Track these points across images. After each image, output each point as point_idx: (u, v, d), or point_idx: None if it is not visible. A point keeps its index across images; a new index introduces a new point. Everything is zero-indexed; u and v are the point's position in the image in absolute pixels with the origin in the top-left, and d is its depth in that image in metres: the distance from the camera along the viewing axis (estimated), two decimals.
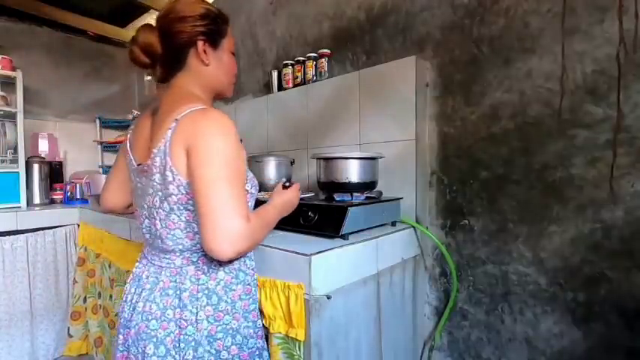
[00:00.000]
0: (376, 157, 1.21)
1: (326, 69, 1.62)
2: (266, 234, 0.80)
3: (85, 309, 2.06)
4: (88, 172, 2.63)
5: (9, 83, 2.19)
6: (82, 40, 2.79)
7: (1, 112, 2.12)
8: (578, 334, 1.06)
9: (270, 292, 0.92)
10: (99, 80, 2.90)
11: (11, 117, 2.14)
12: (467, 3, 1.25)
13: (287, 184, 0.96)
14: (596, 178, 1.01)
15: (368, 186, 1.19)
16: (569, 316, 1.07)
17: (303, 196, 1.29)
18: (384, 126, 1.39)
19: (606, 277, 1.00)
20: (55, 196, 2.42)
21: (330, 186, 1.18)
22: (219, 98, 0.91)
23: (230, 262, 0.81)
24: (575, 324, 1.06)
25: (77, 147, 2.74)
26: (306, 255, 0.87)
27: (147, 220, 0.82)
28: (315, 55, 1.66)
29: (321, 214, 1.09)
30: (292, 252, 0.90)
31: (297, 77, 1.74)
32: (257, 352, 0.83)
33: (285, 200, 0.90)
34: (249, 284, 0.84)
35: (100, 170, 2.78)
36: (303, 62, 1.71)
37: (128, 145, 0.87)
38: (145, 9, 2.52)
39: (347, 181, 1.14)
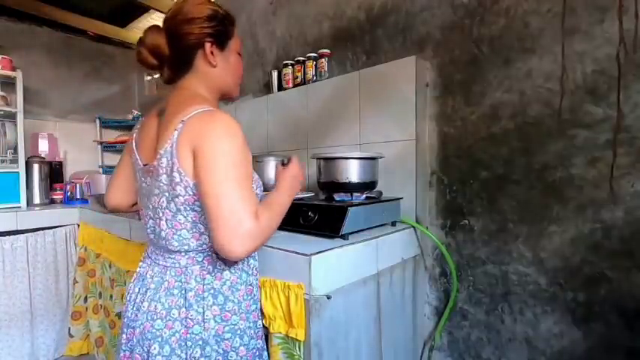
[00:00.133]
0: (376, 157, 1.21)
1: (326, 69, 1.62)
2: (278, 222, 0.78)
3: (86, 309, 2.06)
4: (88, 172, 2.63)
5: (9, 83, 2.19)
6: (82, 40, 2.79)
7: (1, 112, 2.12)
8: (578, 334, 1.06)
9: (270, 292, 0.92)
10: (99, 80, 2.90)
11: (11, 117, 2.14)
12: (467, 3, 1.25)
13: (285, 161, 0.93)
14: (596, 178, 1.01)
15: (368, 186, 1.19)
16: (569, 316, 1.07)
17: (302, 196, 1.29)
18: (384, 126, 1.39)
19: (606, 277, 1.00)
20: (55, 196, 2.42)
21: (330, 186, 1.18)
22: (224, 99, 0.91)
23: (235, 262, 0.81)
24: (575, 324, 1.06)
25: (77, 147, 2.74)
26: (306, 255, 0.87)
27: (151, 221, 0.81)
28: (315, 55, 1.66)
29: (321, 214, 1.09)
30: (292, 252, 0.90)
31: (297, 77, 1.74)
32: (257, 353, 0.83)
33: (289, 178, 0.87)
34: (251, 284, 0.85)
35: (100, 170, 2.78)
36: (303, 62, 1.70)
37: (134, 144, 0.87)
38: (145, 9, 2.52)
39: (347, 181, 1.14)
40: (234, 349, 0.78)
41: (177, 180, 0.72)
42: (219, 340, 0.77)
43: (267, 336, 0.91)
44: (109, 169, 2.80)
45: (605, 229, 1.00)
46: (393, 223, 1.26)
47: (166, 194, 0.75)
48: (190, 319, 0.76)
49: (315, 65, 1.66)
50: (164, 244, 0.80)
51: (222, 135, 0.69)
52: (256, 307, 0.86)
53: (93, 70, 2.86)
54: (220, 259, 0.80)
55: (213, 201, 0.66)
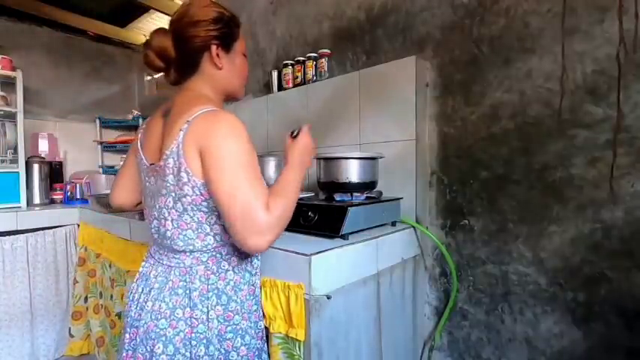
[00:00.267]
0: (376, 157, 1.21)
1: (326, 69, 1.62)
2: (294, 201, 0.77)
3: (86, 309, 2.06)
4: (88, 172, 2.63)
5: (9, 83, 2.19)
6: (82, 40, 2.79)
7: (1, 112, 2.12)
8: (578, 334, 1.06)
9: (271, 292, 0.92)
10: (99, 80, 2.90)
11: (11, 117, 2.14)
12: (467, 3, 1.25)
13: (294, 132, 0.89)
14: (596, 178, 1.01)
15: (368, 186, 1.19)
16: (569, 316, 1.07)
17: (303, 195, 1.29)
18: (384, 126, 1.39)
19: (606, 277, 1.00)
20: (55, 196, 2.42)
21: (330, 186, 1.18)
22: (229, 100, 0.92)
23: (238, 262, 0.82)
24: (575, 324, 1.06)
25: (77, 147, 2.74)
26: (306, 255, 0.87)
27: (156, 221, 0.82)
28: (315, 55, 1.66)
29: (321, 214, 1.09)
30: (292, 252, 0.90)
31: (297, 77, 1.74)
32: (257, 353, 0.84)
33: (300, 150, 0.84)
34: (253, 285, 0.85)
35: (100, 170, 2.78)
36: (303, 62, 1.70)
37: (139, 144, 0.88)
38: (145, 9, 2.52)
39: (347, 181, 1.14)
40: (235, 349, 0.79)
41: (185, 180, 0.73)
42: (221, 339, 0.78)
43: (267, 336, 0.91)
44: (109, 169, 2.80)
45: (605, 229, 1.00)
46: (393, 223, 1.26)
47: (173, 194, 0.76)
48: (195, 318, 0.77)
49: (315, 65, 1.66)
50: (169, 244, 0.80)
51: (228, 135, 0.70)
52: (258, 307, 0.86)
53: (93, 70, 2.86)
54: (224, 259, 0.81)
55: (226, 200, 0.68)
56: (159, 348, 0.76)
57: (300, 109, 1.71)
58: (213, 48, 0.81)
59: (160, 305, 0.78)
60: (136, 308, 0.82)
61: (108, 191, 2.41)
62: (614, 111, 0.98)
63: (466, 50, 1.26)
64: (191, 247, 0.78)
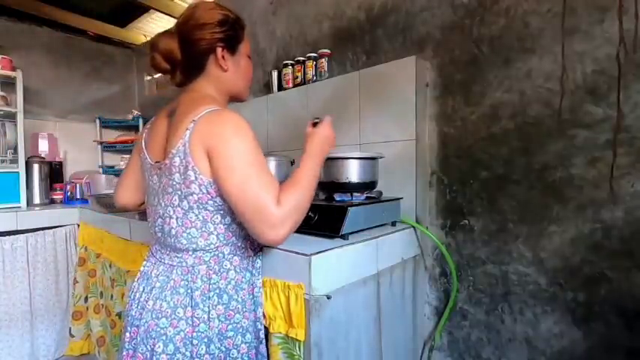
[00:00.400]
0: (376, 157, 1.21)
1: (326, 69, 1.62)
2: (310, 191, 0.77)
3: (87, 308, 2.06)
4: (88, 172, 2.63)
5: (9, 83, 2.19)
6: (82, 40, 2.79)
7: (1, 112, 2.12)
8: (578, 334, 1.06)
9: (270, 292, 0.92)
10: (99, 80, 2.90)
11: (11, 117, 2.14)
12: (467, 3, 1.25)
13: (317, 120, 0.89)
14: (596, 178, 1.01)
15: (368, 186, 1.19)
16: (569, 316, 1.07)
17: None
18: (384, 126, 1.39)
19: (606, 277, 1.00)
20: (55, 196, 2.42)
21: (330, 186, 1.18)
22: (234, 101, 0.93)
23: (240, 262, 0.83)
24: (575, 324, 1.06)
25: (77, 147, 2.74)
26: (306, 255, 0.87)
27: (160, 219, 0.82)
28: (315, 55, 1.66)
29: (321, 214, 1.08)
30: (292, 252, 0.90)
31: (297, 77, 1.73)
32: (254, 351, 0.85)
33: (321, 139, 0.85)
34: (253, 284, 0.86)
35: (100, 170, 2.78)
36: (303, 62, 1.70)
37: (143, 144, 0.88)
38: (145, 9, 2.51)
39: (347, 181, 1.14)
40: (235, 347, 0.80)
41: (192, 178, 0.73)
42: (222, 338, 0.78)
43: (267, 336, 0.91)
44: (109, 169, 2.80)
45: (605, 229, 1.00)
46: (393, 223, 1.26)
47: (179, 192, 0.76)
48: (196, 317, 0.77)
49: (315, 65, 1.66)
50: (171, 242, 0.80)
51: (234, 134, 0.72)
52: (256, 307, 0.86)
53: (93, 70, 2.86)
54: (226, 259, 0.81)
55: (237, 197, 0.69)
56: (159, 347, 0.76)
57: (300, 109, 1.71)
58: (219, 50, 0.82)
59: (161, 304, 0.78)
60: (137, 307, 0.82)
61: (108, 191, 2.41)
62: (614, 111, 0.98)
63: (466, 50, 1.26)
64: (194, 246, 0.79)
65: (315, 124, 0.89)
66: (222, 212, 0.78)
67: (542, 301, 1.12)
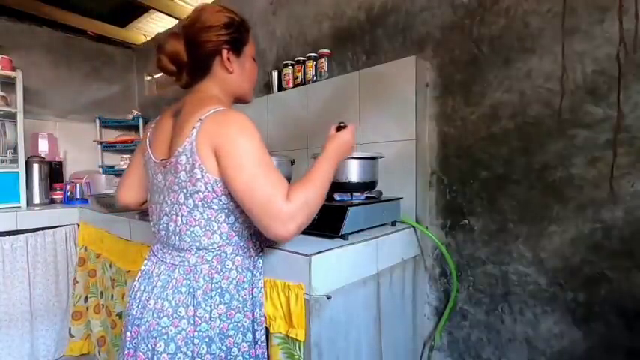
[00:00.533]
0: (376, 157, 1.21)
1: (326, 69, 1.62)
2: (322, 190, 0.77)
3: (87, 308, 2.06)
4: (88, 172, 2.63)
5: (9, 83, 2.19)
6: (82, 40, 2.79)
7: (1, 112, 2.12)
8: (578, 334, 1.06)
9: (270, 292, 0.92)
10: (99, 80, 2.90)
11: (11, 117, 2.14)
12: (467, 3, 1.25)
13: (342, 124, 0.91)
14: (596, 178, 1.01)
15: (368, 186, 1.19)
16: (569, 316, 1.07)
17: None
18: (384, 126, 1.39)
19: (606, 277, 1.00)
20: (55, 196, 2.42)
21: (330, 186, 1.18)
22: (239, 102, 0.94)
23: (242, 262, 0.83)
24: (575, 324, 1.06)
25: (77, 147, 2.74)
26: (306, 255, 0.87)
27: (166, 217, 0.82)
28: (315, 55, 1.66)
29: (321, 214, 1.08)
30: (292, 252, 0.90)
31: (297, 77, 1.73)
32: (253, 347, 0.85)
33: (340, 143, 0.86)
34: (254, 284, 0.86)
35: (100, 170, 2.78)
36: (303, 62, 1.70)
37: (148, 143, 0.89)
38: (145, 9, 2.51)
39: (347, 181, 1.14)
40: (236, 345, 0.80)
41: (199, 176, 0.74)
42: (222, 337, 0.79)
43: (267, 336, 0.91)
44: (109, 169, 2.80)
45: (605, 229, 1.00)
46: (393, 223, 1.26)
47: (184, 190, 0.77)
48: (198, 317, 0.77)
49: (315, 65, 1.66)
50: (175, 241, 0.81)
51: (241, 134, 0.73)
52: (254, 308, 0.86)
53: (93, 70, 2.86)
54: (229, 258, 0.82)
55: (245, 194, 0.70)
56: (160, 346, 0.76)
57: (300, 109, 1.71)
58: (225, 52, 0.84)
59: (162, 303, 0.78)
60: (138, 306, 0.82)
61: (108, 191, 2.41)
62: (614, 111, 0.98)
63: (466, 50, 1.26)
64: (197, 244, 0.79)
65: (339, 129, 0.91)
66: (226, 211, 0.79)
67: (542, 301, 1.12)
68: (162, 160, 0.83)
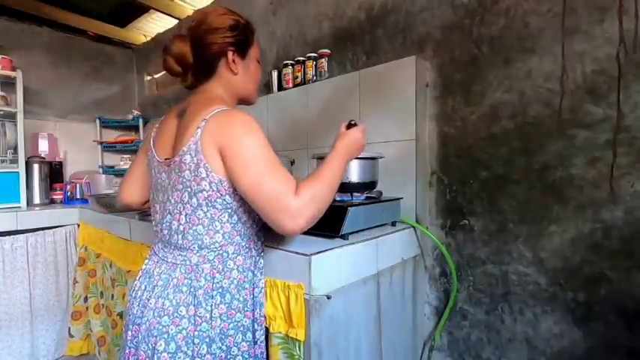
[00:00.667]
0: (376, 157, 1.21)
1: (326, 69, 1.62)
2: (331, 186, 0.78)
3: (86, 308, 2.06)
4: (88, 172, 2.63)
5: (9, 83, 2.19)
6: (82, 40, 2.79)
7: (1, 112, 2.12)
8: (578, 334, 1.06)
9: (270, 292, 0.92)
10: (99, 80, 2.90)
11: (11, 117, 2.14)
12: (467, 3, 1.25)
13: (353, 122, 0.91)
14: (596, 178, 1.01)
15: (368, 186, 1.19)
16: (569, 316, 1.07)
17: None
18: (384, 126, 1.39)
19: (606, 277, 1.00)
20: (55, 196, 2.42)
21: None
22: (242, 103, 0.95)
23: (243, 262, 0.84)
24: (575, 324, 1.06)
25: (77, 147, 2.74)
26: (306, 255, 0.87)
27: (169, 216, 0.83)
28: (315, 55, 1.66)
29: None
30: (292, 252, 0.90)
31: (297, 77, 1.74)
32: (252, 347, 0.85)
33: (350, 141, 0.87)
34: (255, 284, 0.87)
35: (100, 170, 2.79)
36: (303, 62, 1.70)
37: (151, 143, 0.90)
38: (145, 9, 2.51)
39: (347, 181, 1.14)
40: (236, 345, 0.81)
41: (204, 175, 0.75)
42: (223, 337, 0.79)
43: (267, 336, 0.91)
44: (109, 169, 2.80)
45: (605, 229, 1.00)
46: (393, 223, 1.26)
47: (189, 189, 0.78)
48: (199, 316, 0.78)
49: (315, 65, 1.66)
50: (177, 240, 0.81)
51: (246, 133, 0.74)
52: (254, 308, 0.86)
53: (93, 70, 2.86)
54: (230, 258, 0.82)
55: (253, 190, 0.72)
56: (161, 345, 0.76)
57: (300, 109, 1.71)
58: (230, 54, 0.85)
59: (163, 302, 0.78)
60: (139, 305, 0.83)
61: (108, 191, 2.41)
62: (614, 111, 0.98)
63: (466, 50, 1.26)
64: (199, 243, 0.79)
65: (349, 126, 0.91)
66: (229, 211, 0.79)
67: (542, 301, 1.12)
68: (166, 159, 0.83)
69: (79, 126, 2.76)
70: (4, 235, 1.95)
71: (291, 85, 1.76)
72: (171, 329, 0.77)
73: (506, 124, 1.17)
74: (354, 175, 1.15)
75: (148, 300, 0.80)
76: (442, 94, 1.33)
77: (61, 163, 2.54)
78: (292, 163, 1.57)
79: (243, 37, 0.87)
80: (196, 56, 0.84)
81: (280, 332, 0.90)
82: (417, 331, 1.35)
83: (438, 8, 1.32)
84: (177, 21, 2.64)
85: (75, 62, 2.75)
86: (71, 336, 2.09)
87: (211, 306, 0.78)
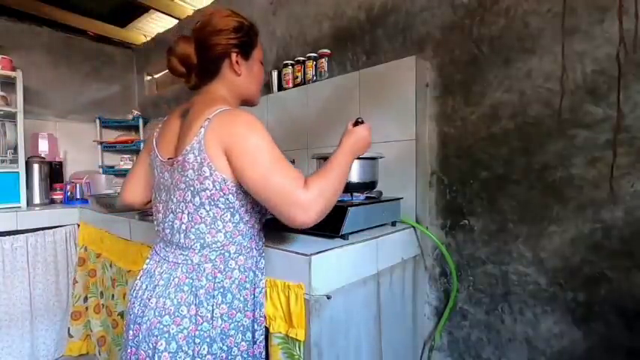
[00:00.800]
0: (376, 157, 1.21)
1: (326, 69, 1.62)
2: (339, 182, 0.79)
3: (86, 308, 2.06)
4: (88, 172, 2.63)
5: (9, 83, 2.19)
6: (82, 40, 2.79)
7: (1, 112, 2.12)
8: (578, 334, 1.06)
9: (270, 292, 0.92)
10: (99, 80, 2.90)
11: (11, 117, 2.14)
12: (467, 3, 1.25)
13: (360, 119, 0.92)
14: (596, 178, 1.01)
15: (368, 186, 1.19)
16: (569, 316, 1.07)
17: None
18: (384, 126, 1.39)
19: (606, 277, 1.00)
20: (55, 196, 2.42)
21: None
22: (245, 104, 0.97)
23: (245, 262, 0.84)
24: (575, 324, 1.06)
25: (77, 147, 2.74)
26: (306, 255, 0.87)
27: (171, 215, 0.83)
28: (315, 55, 1.66)
29: None
30: (292, 252, 0.90)
31: (297, 77, 1.74)
32: (252, 346, 0.85)
33: (357, 138, 0.88)
34: (256, 284, 0.87)
35: (100, 170, 2.79)
36: (303, 62, 1.70)
37: (154, 142, 0.91)
38: (145, 9, 2.51)
39: (347, 181, 1.14)
40: (236, 345, 0.81)
41: (207, 174, 0.75)
42: (224, 337, 0.79)
43: (267, 336, 0.91)
44: (109, 169, 2.80)
45: (605, 229, 1.00)
46: (393, 223, 1.26)
47: (191, 188, 0.78)
48: (200, 316, 0.78)
49: (315, 65, 1.66)
50: (179, 239, 0.81)
51: (250, 131, 0.74)
52: (254, 308, 0.86)
53: (93, 70, 2.86)
54: (232, 258, 0.82)
55: (262, 187, 0.72)
56: (161, 344, 0.76)
57: (300, 109, 1.71)
58: (234, 55, 0.86)
59: (164, 302, 0.78)
60: (139, 305, 0.83)
61: (108, 191, 2.41)
62: (614, 111, 0.98)
63: (466, 50, 1.26)
64: (201, 242, 0.80)
65: (356, 124, 0.92)
66: (231, 210, 0.80)
67: (542, 301, 1.12)
68: (169, 158, 0.84)
69: (79, 126, 2.76)
70: (4, 235, 1.95)
71: (291, 85, 1.76)
72: (172, 329, 0.77)
73: (506, 124, 1.17)
74: (354, 175, 1.14)
75: (149, 299, 0.81)
76: (442, 94, 1.33)
77: (61, 163, 2.54)
78: (292, 162, 1.57)
79: (246, 39, 0.88)
80: (200, 57, 0.85)
81: (280, 332, 0.90)
82: (417, 331, 1.35)
83: (438, 8, 1.32)
84: (177, 21, 2.64)
85: (75, 62, 2.75)
86: (70, 336, 2.09)
87: (212, 306, 0.78)
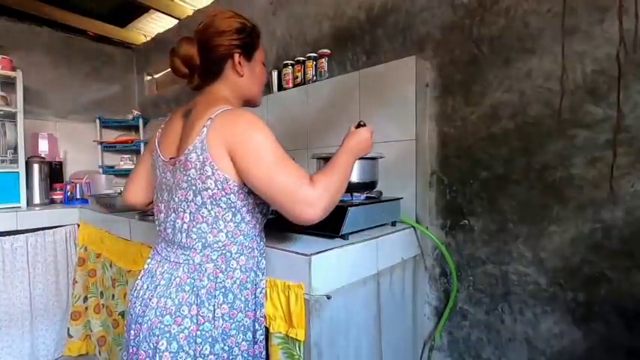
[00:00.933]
0: (376, 157, 1.21)
1: (326, 69, 1.62)
2: (342, 180, 0.80)
3: (86, 309, 2.06)
4: (88, 172, 2.63)
5: (9, 83, 2.19)
6: (82, 40, 2.79)
7: (1, 112, 2.12)
8: (578, 334, 1.06)
9: (270, 292, 0.92)
10: (99, 80, 2.90)
11: (11, 117, 2.14)
12: (467, 3, 1.25)
13: (362, 122, 0.94)
14: (596, 178, 1.01)
15: (368, 186, 1.19)
16: (569, 316, 1.07)
17: None
18: (384, 126, 1.39)
19: (606, 277, 1.01)
20: (55, 196, 2.42)
21: None
22: (247, 105, 0.96)
23: (246, 262, 0.84)
24: (575, 324, 1.06)
25: (77, 147, 2.74)
26: (306, 255, 0.87)
27: (173, 214, 0.83)
28: (315, 55, 1.66)
29: None
30: (292, 252, 0.90)
31: (297, 77, 1.74)
32: (252, 346, 0.86)
33: (360, 139, 0.89)
34: (257, 284, 0.87)
35: (100, 170, 2.79)
36: (303, 62, 1.71)
37: (156, 143, 0.91)
38: (145, 9, 2.52)
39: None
40: (237, 344, 0.81)
41: (209, 173, 0.76)
42: (225, 337, 0.79)
43: (267, 336, 0.91)
44: (109, 169, 2.80)
45: (605, 229, 1.00)
46: (393, 223, 1.26)
47: (193, 187, 0.78)
48: (202, 316, 0.78)
49: (315, 65, 1.66)
50: (181, 238, 0.81)
51: (254, 131, 0.75)
52: (255, 308, 0.86)
53: (93, 70, 2.86)
54: (233, 258, 0.82)
55: (267, 185, 0.73)
56: (162, 344, 0.76)
57: (300, 109, 1.71)
58: (236, 56, 0.86)
59: (165, 301, 0.78)
60: (140, 305, 0.83)
61: (108, 191, 2.41)
62: (614, 111, 0.98)
63: (466, 50, 1.26)
64: (203, 241, 0.80)
65: (358, 126, 0.93)
66: (233, 210, 0.80)
67: (542, 301, 1.12)
68: (171, 158, 0.84)
69: (79, 126, 2.76)
70: (4, 235, 1.94)
71: (291, 85, 1.76)
72: (174, 328, 0.77)
73: (506, 124, 1.17)
74: (354, 175, 1.14)
75: (150, 299, 0.81)
76: (442, 94, 1.33)
77: (61, 163, 2.54)
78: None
79: (249, 40, 0.88)
80: (203, 58, 0.85)
81: (280, 332, 0.90)
82: (417, 331, 1.35)
83: (438, 8, 1.32)
84: (177, 21, 2.64)
85: (75, 62, 2.75)
86: (70, 336, 2.09)
87: (214, 306, 0.79)
